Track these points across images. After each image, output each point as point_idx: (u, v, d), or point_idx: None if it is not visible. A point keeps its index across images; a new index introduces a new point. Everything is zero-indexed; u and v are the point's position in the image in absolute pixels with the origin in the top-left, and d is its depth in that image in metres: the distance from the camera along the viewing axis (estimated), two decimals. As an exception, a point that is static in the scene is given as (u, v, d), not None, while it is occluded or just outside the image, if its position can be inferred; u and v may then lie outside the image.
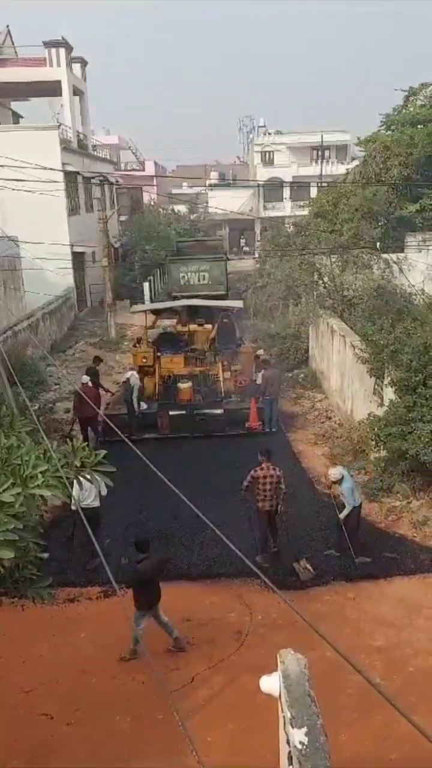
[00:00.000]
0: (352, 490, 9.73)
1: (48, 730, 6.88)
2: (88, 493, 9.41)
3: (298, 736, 2.72)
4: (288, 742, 2.78)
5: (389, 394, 11.54)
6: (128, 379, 15.33)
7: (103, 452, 5.32)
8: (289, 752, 2.76)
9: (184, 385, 15.68)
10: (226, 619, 8.57)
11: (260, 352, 20.35)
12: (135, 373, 15.57)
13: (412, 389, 10.81)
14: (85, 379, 15.30)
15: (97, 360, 17.39)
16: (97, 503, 9.74)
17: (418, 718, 3.13)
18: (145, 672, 7.41)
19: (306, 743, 2.69)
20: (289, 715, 2.83)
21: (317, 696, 3.17)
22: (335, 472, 9.84)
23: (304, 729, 2.74)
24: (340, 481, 9.72)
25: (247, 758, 6.28)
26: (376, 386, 12.49)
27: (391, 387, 11.36)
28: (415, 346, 11.06)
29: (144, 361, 16.72)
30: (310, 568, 9.43)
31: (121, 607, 7.71)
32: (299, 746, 2.69)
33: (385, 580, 9.29)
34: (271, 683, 3.20)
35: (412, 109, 25.29)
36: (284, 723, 2.88)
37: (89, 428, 14.44)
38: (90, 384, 14.97)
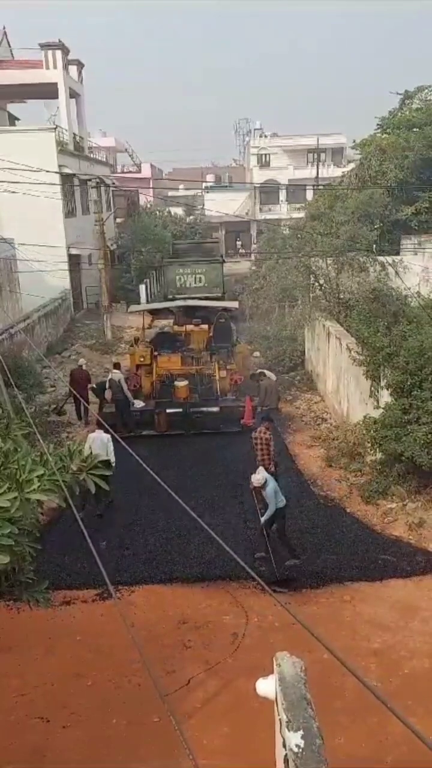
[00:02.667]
0: (276, 492, 9.73)
1: (43, 733, 6.87)
2: (93, 448, 10.44)
3: (294, 739, 2.72)
4: (284, 746, 2.78)
5: (385, 396, 11.57)
6: (111, 378, 15.51)
7: (101, 455, 5.32)
8: (285, 755, 2.76)
9: (181, 384, 15.87)
10: (222, 621, 8.57)
11: (257, 354, 20.40)
12: (116, 371, 15.78)
13: (408, 392, 10.85)
14: (81, 362, 17.53)
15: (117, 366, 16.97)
16: (106, 459, 10.40)
17: (415, 721, 3.14)
18: (140, 675, 7.40)
19: (302, 746, 2.69)
20: (285, 718, 2.83)
21: (313, 699, 3.17)
22: (258, 477, 9.77)
23: (300, 732, 2.74)
24: (264, 486, 9.68)
25: (243, 761, 6.28)
26: (372, 388, 12.52)
27: (387, 389, 11.40)
28: (410, 349, 11.09)
29: (142, 360, 17.01)
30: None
31: (118, 610, 7.70)
32: (295, 749, 2.69)
33: (380, 582, 9.30)
34: (267, 686, 3.20)
35: (407, 112, 25.35)
36: (280, 726, 2.89)
37: (82, 404, 15.60)
38: (83, 368, 16.91)
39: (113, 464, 10.70)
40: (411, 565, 9.62)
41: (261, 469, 10.12)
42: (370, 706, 6.49)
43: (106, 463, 10.58)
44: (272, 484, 9.77)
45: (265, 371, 16.23)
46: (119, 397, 15.30)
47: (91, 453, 5.33)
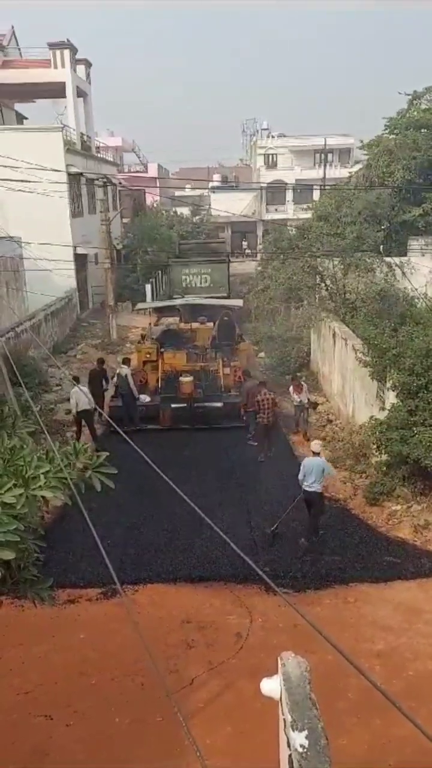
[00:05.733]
0: (300, 468, 10.60)
1: (47, 731, 6.87)
2: (79, 401, 14.15)
3: (299, 739, 2.72)
4: (288, 745, 2.78)
5: (391, 397, 11.53)
6: (118, 373, 15.87)
7: (105, 454, 5.31)
8: (290, 755, 2.76)
9: (186, 380, 16.11)
10: (226, 621, 8.56)
11: (262, 354, 20.39)
12: (123, 366, 16.08)
13: (414, 393, 10.81)
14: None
15: (101, 362, 17.28)
16: (88, 407, 14.23)
17: (419, 723, 3.13)
18: (144, 674, 7.40)
19: (307, 746, 2.69)
20: (289, 718, 2.83)
21: (317, 700, 3.17)
22: (317, 443, 11.08)
23: (305, 732, 2.74)
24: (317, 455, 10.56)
25: (246, 761, 6.27)
26: (378, 390, 12.48)
27: (393, 391, 11.36)
28: (417, 350, 11.06)
29: (148, 356, 17.46)
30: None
31: (123, 608, 7.70)
32: (300, 749, 2.69)
33: (385, 584, 9.28)
34: (272, 685, 3.20)
35: (416, 113, 25.27)
36: (285, 726, 2.88)
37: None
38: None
39: (95, 408, 14.10)
40: (416, 567, 9.59)
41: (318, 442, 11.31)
42: (373, 707, 6.48)
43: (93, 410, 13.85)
44: (306, 467, 10.46)
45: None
46: (125, 392, 15.57)
47: (96, 454, 5.32)
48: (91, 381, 15.88)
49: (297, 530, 10.67)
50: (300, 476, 10.52)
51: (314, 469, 10.33)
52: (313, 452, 10.63)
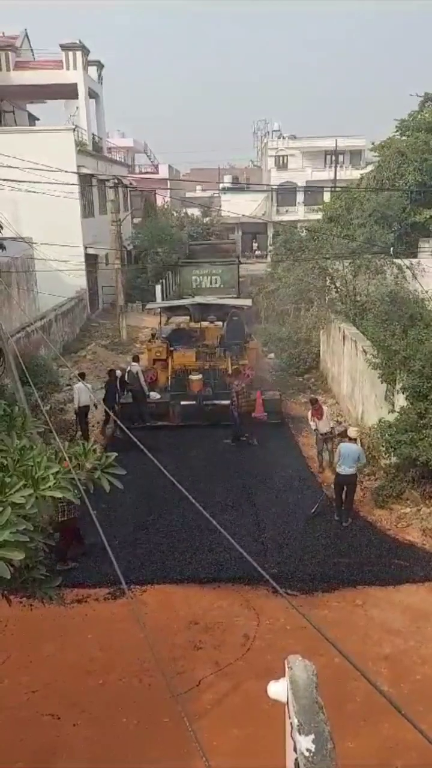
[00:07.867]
0: (338, 454, 11.03)
1: (54, 730, 6.90)
2: (81, 397, 14.30)
3: (306, 743, 2.71)
4: (295, 749, 2.77)
5: (401, 400, 11.49)
6: (129, 370, 16.04)
7: (114, 454, 5.33)
8: (296, 759, 2.76)
9: (195, 378, 16.42)
10: (234, 623, 8.55)
11: (271, 356, 20.33)
12: (134, 363, 16.31)
13: (424, 396, 10.77)
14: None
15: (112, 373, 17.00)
16: (88, 403, 14.42)
17: (425, 728, 3.12)
18: (151, 674, 7.41)
19: (313, 750, 2.68)
20: (296, 721, 2.82)
21: (324, 703, 3.16)
22: (353, 430, 11.38)
23: (312, 736, 2.73)
24: (354, 441, 10.90)
25: (253, 763, 6.27)
26: (387, 392, 12.44)
27: (403, 393, 11.32)
28: (427, 353, 11.01)
29: (158, 355, 17.77)
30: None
31: (131, 609, 7.71)
32: (306, 753, 2.68)
33: (393, 587, 9.24)
34: (278, 689, 3.19)
35: (427, 114, 25.20)
36: (291, 730, 2.88)
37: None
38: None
39: (96, 406, 14.56)
40: (424, 570, 9.54)
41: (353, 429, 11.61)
42: (380, 710, 6.45)
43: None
44: (344, 450, 10.90)
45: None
46: (136, 389, 15.74)
47: (103, 454, 5.34)
48: (107, 391, 15.84)
49: (306, 531, 10.66)
50: (336, 460, 11.08)
51: (350, 454, 10.76)
52: (350, 437, 11.02)
